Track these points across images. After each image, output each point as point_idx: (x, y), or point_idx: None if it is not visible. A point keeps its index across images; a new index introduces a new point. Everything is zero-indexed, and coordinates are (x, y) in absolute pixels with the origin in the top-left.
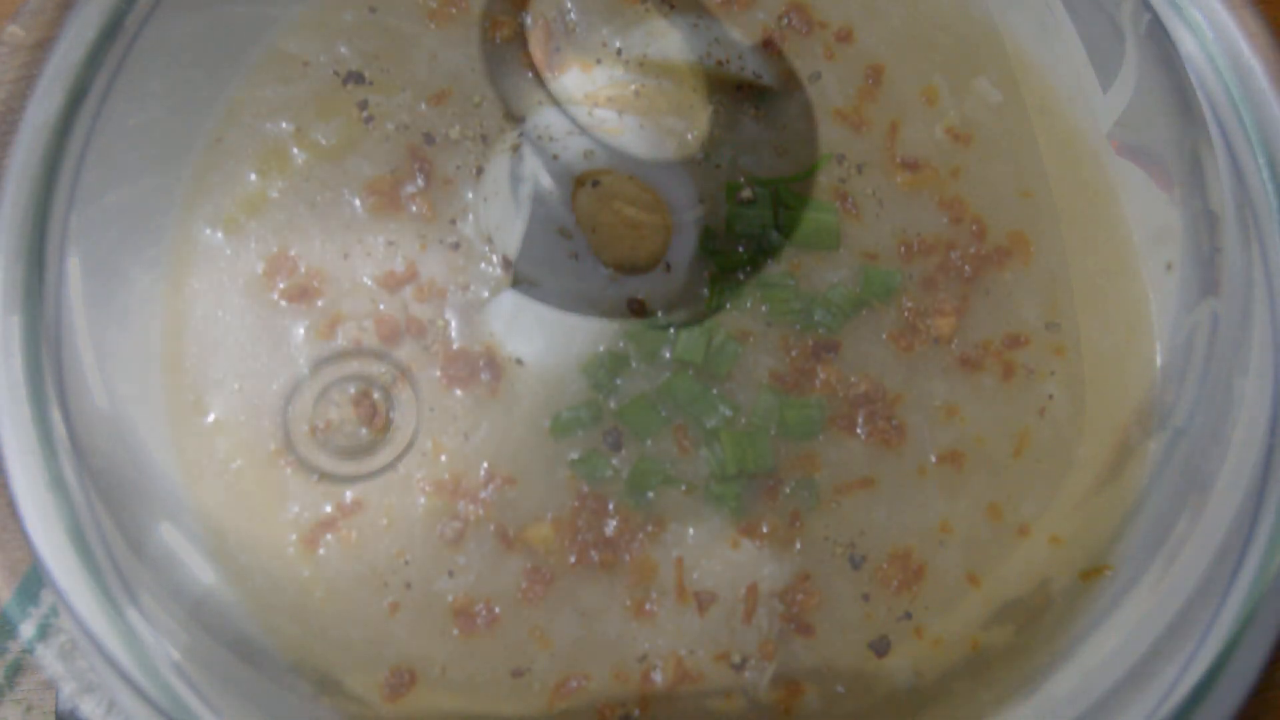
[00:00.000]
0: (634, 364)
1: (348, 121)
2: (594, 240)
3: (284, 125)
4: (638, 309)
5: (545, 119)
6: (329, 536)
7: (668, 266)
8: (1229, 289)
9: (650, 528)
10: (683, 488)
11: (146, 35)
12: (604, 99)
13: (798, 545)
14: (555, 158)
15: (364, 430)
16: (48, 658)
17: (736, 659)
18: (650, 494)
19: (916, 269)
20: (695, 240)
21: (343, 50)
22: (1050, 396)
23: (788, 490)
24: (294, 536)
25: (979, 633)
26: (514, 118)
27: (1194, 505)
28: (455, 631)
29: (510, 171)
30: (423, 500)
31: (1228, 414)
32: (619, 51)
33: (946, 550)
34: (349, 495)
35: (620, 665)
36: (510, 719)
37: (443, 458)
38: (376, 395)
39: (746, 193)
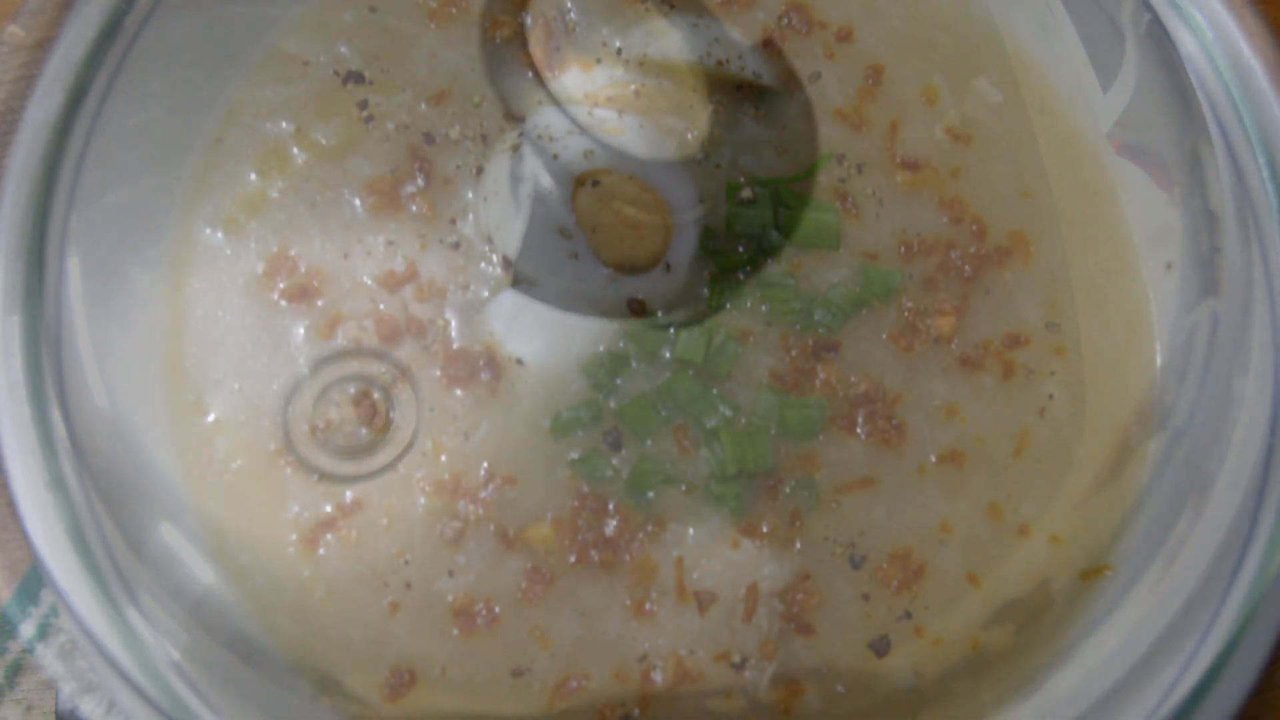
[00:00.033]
0: (634, 364)
1: (348, 121)
2: (594, 240)
3: (284, 125)
4: (638, 309)
5: (545, 119)
6: (329, 536)
7: (668, 266)
8: (1229, 289)
9: (650, 528)
10: (683, 488)
11: (146, 35)
12: (604, 99)
13: (798, 545)
14: (555, 157)
15: (364, 430)
16: (48, 658)
17: (736, 659)
18: (650, 494)
19: (916, 269)
20: (695, 240)
21: (343, 50)
22: (1050, 396)
23: (788, 490)
24: (294, 536)
25: (979, 633)
26: (514, 117)
27: (1194, 505)
28: (455, 631)
29: (510, 171)
30: (423, 500)
31: (1228, 414)
32: (619, 51)
33: (946, 550)
34: (349, 495)
35: (620, 665)
36: (510, 719)
37: (443, 457)
38: (376, 395)
39: (746, 192)
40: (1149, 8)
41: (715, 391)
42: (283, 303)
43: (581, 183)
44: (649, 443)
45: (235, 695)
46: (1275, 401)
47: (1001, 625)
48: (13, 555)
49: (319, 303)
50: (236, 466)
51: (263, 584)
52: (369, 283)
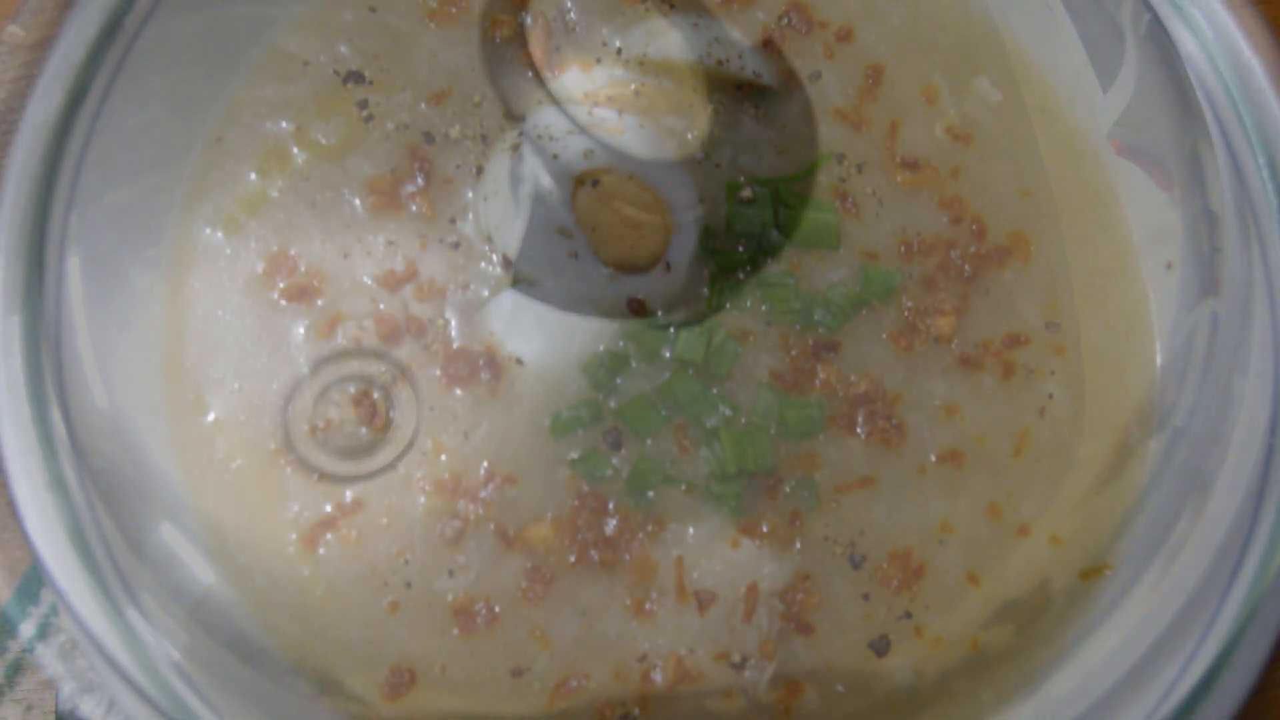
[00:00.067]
0: (634, 363)
1: (348, 121)
2: (594, 240)
3: (284, 125)
4: (638, 308)
5: (545, 118)
6: (329, 536)
7: (668, 266)
8: (1229, 289)
9: (650, 527)
10: (683, 487)
11: (146, 35)
12: (604, 98)
13: (798, 545)
14: (555, 157)
15: (364, 430)
16: (48, 657)
17: (736, 658)
18: (650, 493)
19: (916, 268)
20: (695, 240)
21: (343, 50)
22: (1050, 396)
23: (788, 490)
24: (294, 536)
25: (979, 632)
26: (514, 117)
27: (1194, 505)
28: (455, 631)
29: (510, 171)
30: (423, 500)
31: (1228, 414)
32: (619, 51)
33: (946, 550)
34: (349, 495)
35: (620, 665)
36: (510, 718)
37: (443, 457)
38: (376, 395)
39: (746, 192)
40: (1149, 8)
41: (715, 391)
42: (283, 302)
43: (581, 182)
44: (649, 442)
45: (235, 695)
46: (1275, 401)
47: (1001, 625)
48: (13, 555)
49: (319, 302)
50: (236, 466)
51: (263, 584)
52: (369, 282)
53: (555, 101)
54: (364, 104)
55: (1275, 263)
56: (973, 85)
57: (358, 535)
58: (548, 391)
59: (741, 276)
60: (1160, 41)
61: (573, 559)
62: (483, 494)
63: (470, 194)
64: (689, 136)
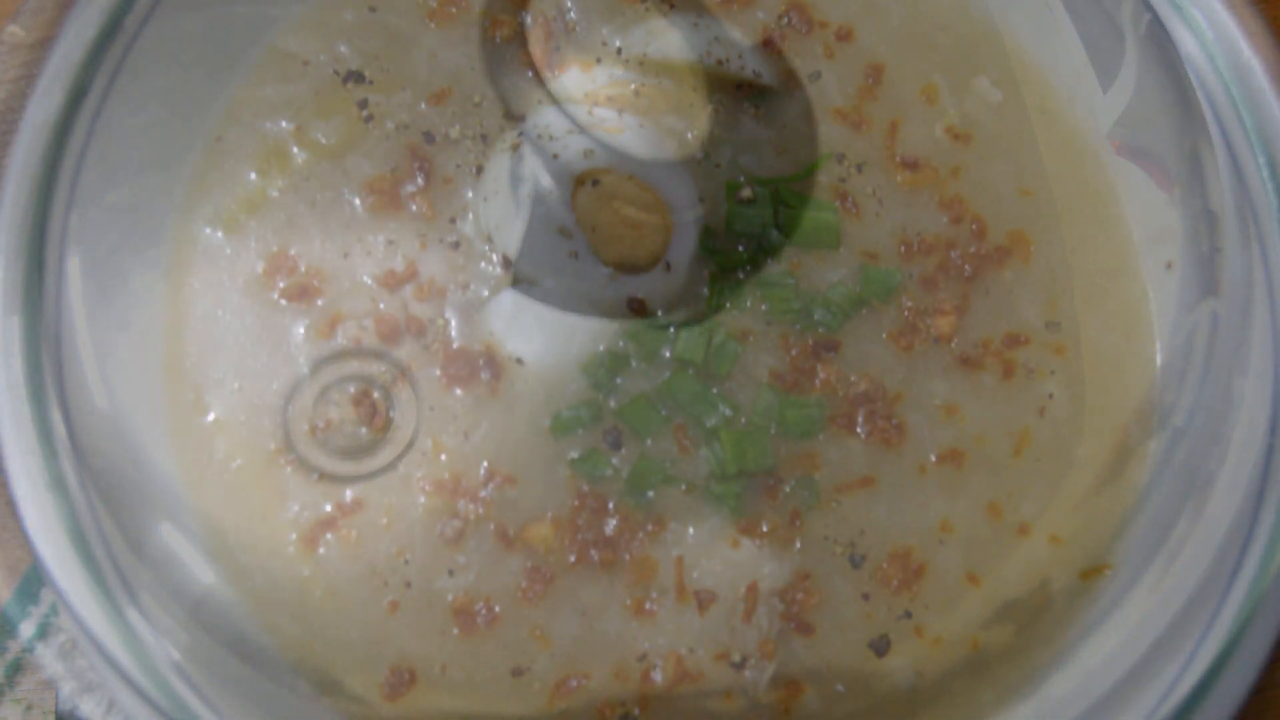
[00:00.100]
0: (634, 363)
1: (348, 120)
2: (594, 239)
3: (284, 124)
4: (638, 308)
5: (545, 118)
6: (329, 536)
7: (668, 266)
8: (1229, 289)
9: (650, 527)
10: (683, 487)
11: (146, 35)
12: (604, 98)
13: (797, 544)
14: (555, 157)
15: (364, 430)
16: (47, 657)
17: (736, 658)
18: (650, 493)
19: (916, 268)
20: (695, 239)
21: (343, 49)
22: (1050, 396)
23: (788, 489)
24: (294, 536)
25: (979, 632)
26: (514, 117)
27: (1194, 505)
28: (455, 630)
29: (510, 171)
30: (423, 499)
31: (1228, 414)
32: (619, 51)
33: (946, 549)
34: (349, 494)
35: (620, 664)
36: (510, 718)
37: (443, 457)
38: (376, 394)
39: (746, 192)
40: (1149, 8)
41: (715, 391)
42: (283, 302)
43: (581, 182)
44: (649, 442)
45: (235, 695)
46: (1275, 401)
47: (1001, 625)
48: (13, 555)
49: (319, 302)
50: (236, 466)
51: (263, 584)
52: (369, 282)
53: (555, 101)
54: (364, 104)
55: (1275, 263)
56: (973, 85)
57: (358, 535)
58: (548, 391)
59: (741, 276)
60: (1160, 41)
61: (573, 559)
62: (483, 494)
63: (470, 194)
64: (689, 136)
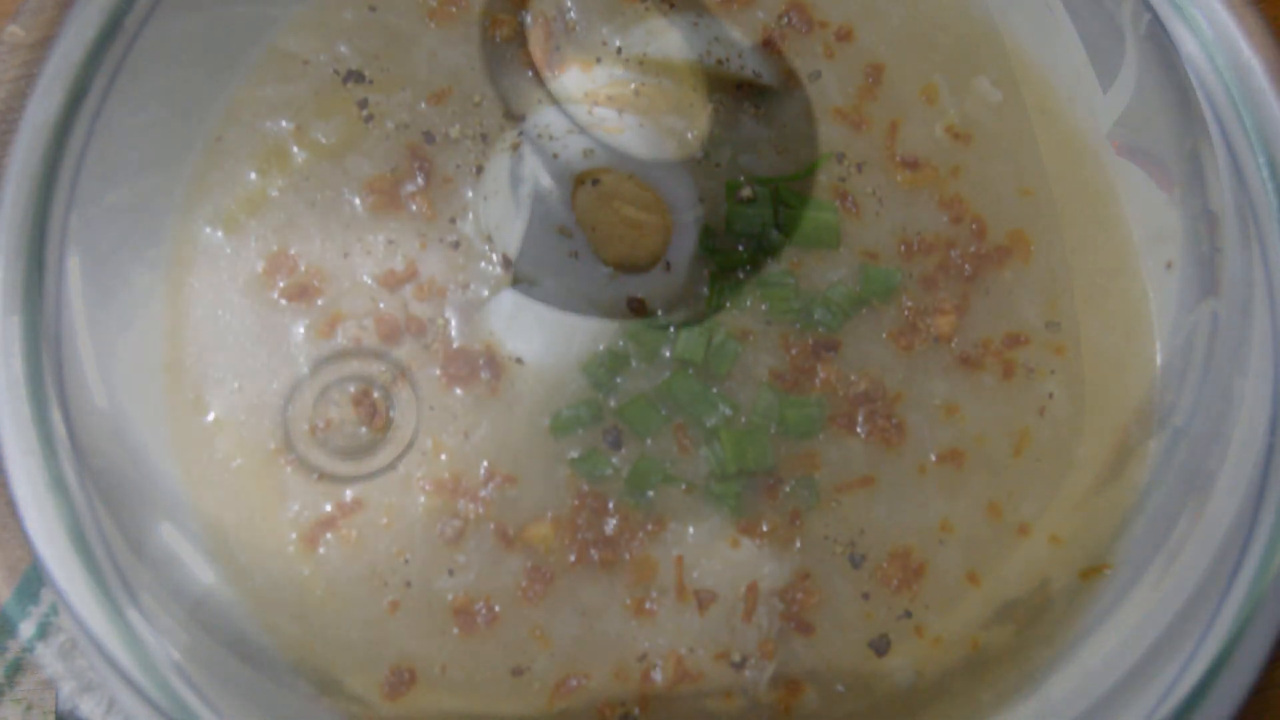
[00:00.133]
0: (634, 363)
1: (348, 120)
2: (594, 239)
3: (284, 124)
4: (638, 308)
5: (545, 118)
6: (329, 535)
7: (667, 265)
8: (1229, 289)
9: (650, 526)
10: (683, 486)
11: (146, 35)
12: (604, 98)
13: (797, 544)
14: (555, 156)
15: (364, 429)
16: (47, 657)
17: (736, 658)
18: (650, 493)
19: (916, 268)
20: (695, 239)
21: (343, 49)
22: (1050, 396)
23: (787, 489)
24: (294, 535)
25: (979, 632)
26: (514, 116)
27: (1194, 505)
28: (455, 630)
29: (510, 170)
30: (423, 499)
31: (1228, 414)
32: (619, 50)
33: (946, 549)
34: (349, 494)
35: (620, 664)
36: (510, 718)
37: (443, 456)
38: (376, 394)
39: (746, 191)
40: (1149, 8)
41: (715, 390)
42: (283, 302)
43: (581, 182)
44: (649, 442)
45: (235, 695)
46: (1275, 401)
47: (1001, 625)
48: (13, 555)
49: (319, 302)
50: (236, 466)
51: (263, 583)
52: (369, 282)
53: (555, 101)
54: (364, 103)
55: (1275, 263)
56: (973, 85)
57: (358, 535)
58: (548, 391)
59: (741, 276)
60: (1160, 41)
61: (573, 558)
62: (483, 493)
63: (470, 193)
64: (689, 136)
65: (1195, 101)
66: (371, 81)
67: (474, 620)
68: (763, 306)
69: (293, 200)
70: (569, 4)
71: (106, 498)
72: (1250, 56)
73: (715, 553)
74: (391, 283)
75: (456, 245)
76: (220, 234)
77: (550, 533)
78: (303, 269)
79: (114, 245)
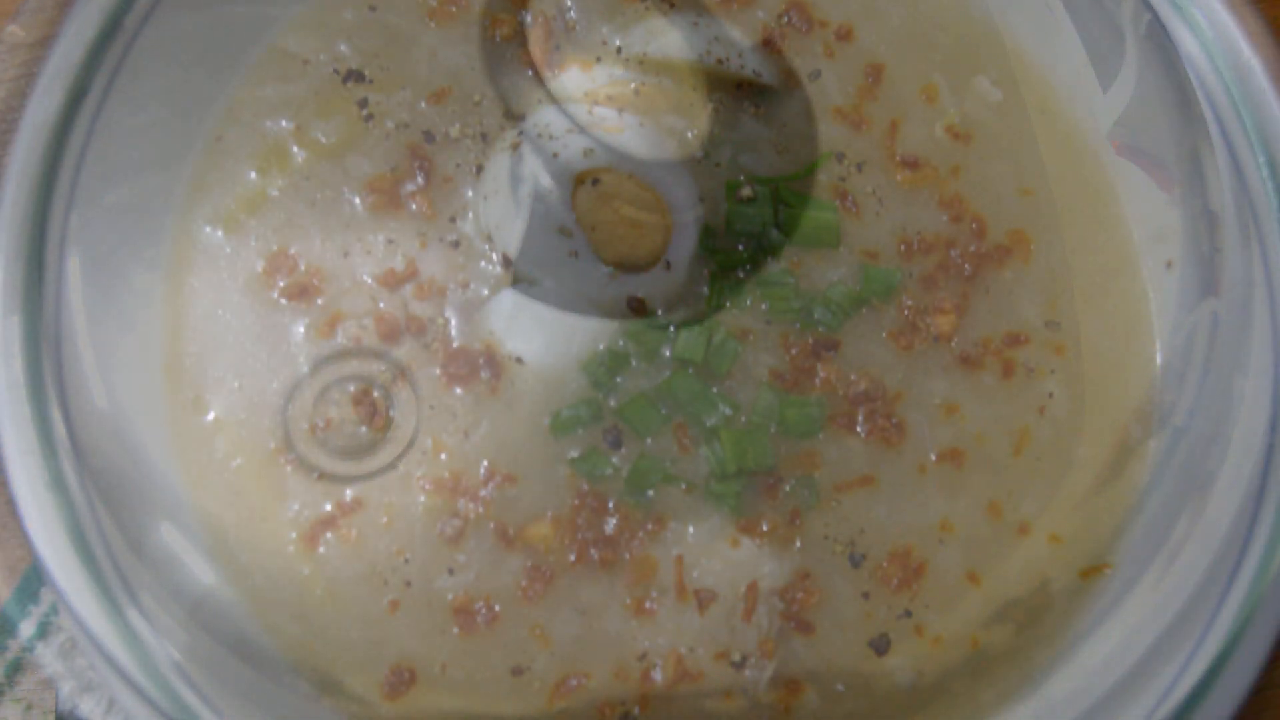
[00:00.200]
0: (634, 362)
1: (348, 120)
2: (594, 239)
3: (284, 124)
4: (638, 307)
5: (545, 117)
6: (329, 535)
7: (668, 265)
8: (1229, 289)
9: (650, 526)
10: (683, 486)
11: (146, 35)
12: (604, 97)
13: (797, 543)
14: (555, 156)
15: (364, 429)
16: (47, 656)
17: (736, 657)
18: (650, 492)
19: (916, 267)
20: (695, 239)
21: (343, 48)
22: (1050, 395)
23: (787, 488)
24: (294, 535)
25: (979, 631)
26: (514, 116)
27: (1194, 505)
28: (455, 630)
29: (510, 170)
30: (423, 498)
31: (1228, 414)
32: (619, 50)
33: (946, 549)
34: (349, 494)
35: (620, 663)
36: (510, 717)
37: (443, 456)
38: (376, 394)
39: (746, 191)
40: (1149, 8)
41: (715, 390)
42: (283, 301)
43: (581, 181)
44: (649, 441)
45: (235, 695)
46: (1275, 401)
47: (1001, 625)
48: (13, 555)
49: (319, 301)
50: (236, 465)
51: (263, 583)
52: (369, 281)
53: (555, 100)
54: (364, 103)
55: (1275, 263)
56: (973, 85)
57: (358, 534)
58: (548, 390)
59: (741, 275)
60: (1160, 41)
61: (573, 558)
62: (483, 493)
63: (470, 193)
64: (689, 135)
65: (1195, 101)
66: (371, 81)
67: (474, 620)
68: (763, 306)
69: (293, 200)
70: (569, 3)
71: (106, 498)
72: (1250, 56)
73: (715, 552)
74: (391, 282)
75: (456, 245)
76: (220, 234)
77: (550, 532)
78: (303, 268)
79: (114, 245)
